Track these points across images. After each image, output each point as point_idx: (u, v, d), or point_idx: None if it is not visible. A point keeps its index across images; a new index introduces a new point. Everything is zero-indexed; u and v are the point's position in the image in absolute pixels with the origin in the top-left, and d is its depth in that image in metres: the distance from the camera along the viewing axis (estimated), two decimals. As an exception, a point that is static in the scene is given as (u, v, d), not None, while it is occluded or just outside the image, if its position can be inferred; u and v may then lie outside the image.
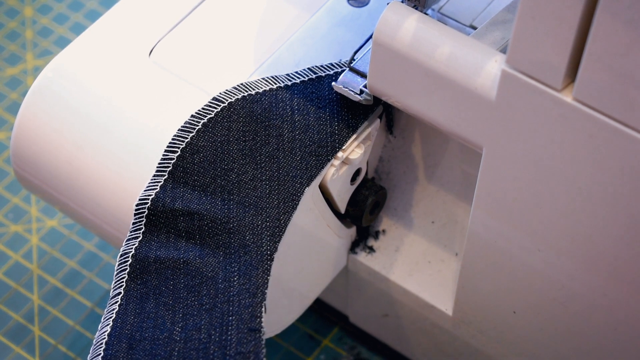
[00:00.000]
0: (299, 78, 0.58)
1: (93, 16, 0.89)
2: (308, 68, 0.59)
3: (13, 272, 0.76)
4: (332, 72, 0.59)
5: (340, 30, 0.62)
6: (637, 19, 0.42)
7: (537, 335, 0.59)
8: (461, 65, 0.51)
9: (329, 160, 0.57)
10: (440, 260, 0.63)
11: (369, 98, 0.57)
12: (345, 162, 0.57)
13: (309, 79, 0.58)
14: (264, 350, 0.52)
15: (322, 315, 0.74)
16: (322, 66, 0.59)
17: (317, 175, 0.56)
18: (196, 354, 0.52)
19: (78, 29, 0.89)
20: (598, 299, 0.53)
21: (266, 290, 0.54)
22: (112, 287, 0.55)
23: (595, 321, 0.55)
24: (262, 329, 0.53)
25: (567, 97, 0.46)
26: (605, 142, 0.46)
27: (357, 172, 0.59)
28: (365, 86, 0.57)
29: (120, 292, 0.55)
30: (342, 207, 0.60)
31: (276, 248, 0.55)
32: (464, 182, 0.62)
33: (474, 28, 0.59)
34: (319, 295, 0.66)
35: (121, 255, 0.56)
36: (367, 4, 0.63)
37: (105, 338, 0.54)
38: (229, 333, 0.53)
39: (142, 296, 0.55)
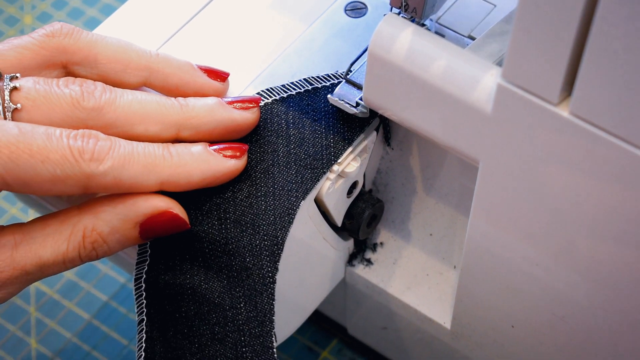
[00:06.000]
0: (295, 89, 0.58)
1: (93, 24, 0.89)
2: (304, 79, 0.58)
3: (10, 283, 0.76)
4: (328, 83, 0.58)
5: (338, 41, 0.61)
6: (633, 33, 0.41)
7: (536, 349, 0.58)
8: (457, 78, 0.50)
9: (324, 172, 0.56)
10: (439, 273, 0.63)
11: (364, 111, 0.56)
12: (341, 175, 0.57)
13: (305, 91, 0.58)
14: None
15: (321, 327, 0.74)
16: (318, 77, 0.58)
17: (312, 188, 0.56)
18: None
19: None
20: (597, 313, 0.53)
21: (273, 317, 0.54)
22: (136, 311, 0.55)
23: (594, 335, 0.54)
24: None
25: (563, 112, 0.46)
26: (601, 156, 0.46)
27: (354, 185, 0.59)
28: (361, 99, 0.56)
29: (143, 319, 0.55)
30: (338, 220, 0.60)
31: (277, 268, 0.54)
32: (462, 194, 0.62)
33: (472, 38, 0.59)
34: (318, 307, 0.65)
35: (135, 280, 0.55)
36: (364, 14, 0.62)
37: None
38: None
39: (162, 322, 0.54)
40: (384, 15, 0.53)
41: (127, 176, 0.52)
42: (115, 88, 0.54)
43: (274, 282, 0.54)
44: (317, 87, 0.58)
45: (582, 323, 0.54)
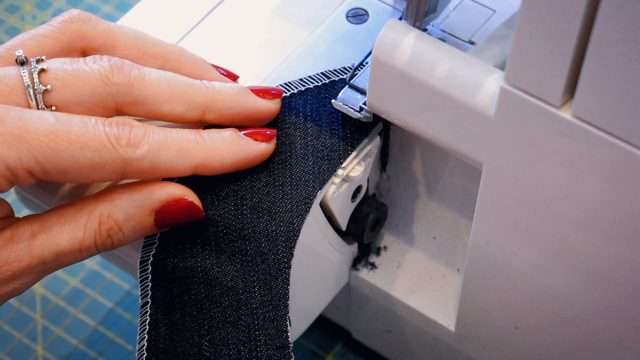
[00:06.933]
0: (312, 83, 0.59)
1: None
2: (321, 72, 0.59)
3: (16, 291, 0.76)
4: (345, 76, 0.59)
5: (340, 47, 0.62)
6: (635, 36, 0.42)
7: (540, 350, 0.58)
8: (460, 82, 0.51)
9: (341, 163, 0.57)
10: (442, 276, 0.63)
11: (368, 115, 0.57)
12: (345, 179, 0.58)
13: (323, 84, 0.59)
14: None
15: (325, 331, 0.74)
16: (335, 70, 0.59)
17: (329, 179, 0.57)
18: None
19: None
20: (600, 314, 0.53)
21: (288, 302, 0.54)
22: (140, 294, 0.55)
23: (597, 336, 0.55)
24: (290, 345, 0.53)
25: (566, 114, 0.46)
26: (604, 158, 0.46)
27: (358, 189, 0.60)
28: (364, 103, 0.57)
29: (147, 301, 0.55)
30: (343, 224, 0.60)
31: (292, 254, 0.55)
32: (465, 197, 0.62)
33: (473, 44, 0.59)
34: (322, 312, 0.66)
35: (141, 263, 0.56)
36: (366, 21, 0.63)
37: (144, 353, 0.54)
38: (259, 350, 0.53)
39: (168, 305, 0.55)
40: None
41: (163, 160, 0.53)
42: (142, 66, 0.55)
43: (289, 267, 0.55)
44: (334, 80, 0.59)
45: (585, 324, 0.55)
